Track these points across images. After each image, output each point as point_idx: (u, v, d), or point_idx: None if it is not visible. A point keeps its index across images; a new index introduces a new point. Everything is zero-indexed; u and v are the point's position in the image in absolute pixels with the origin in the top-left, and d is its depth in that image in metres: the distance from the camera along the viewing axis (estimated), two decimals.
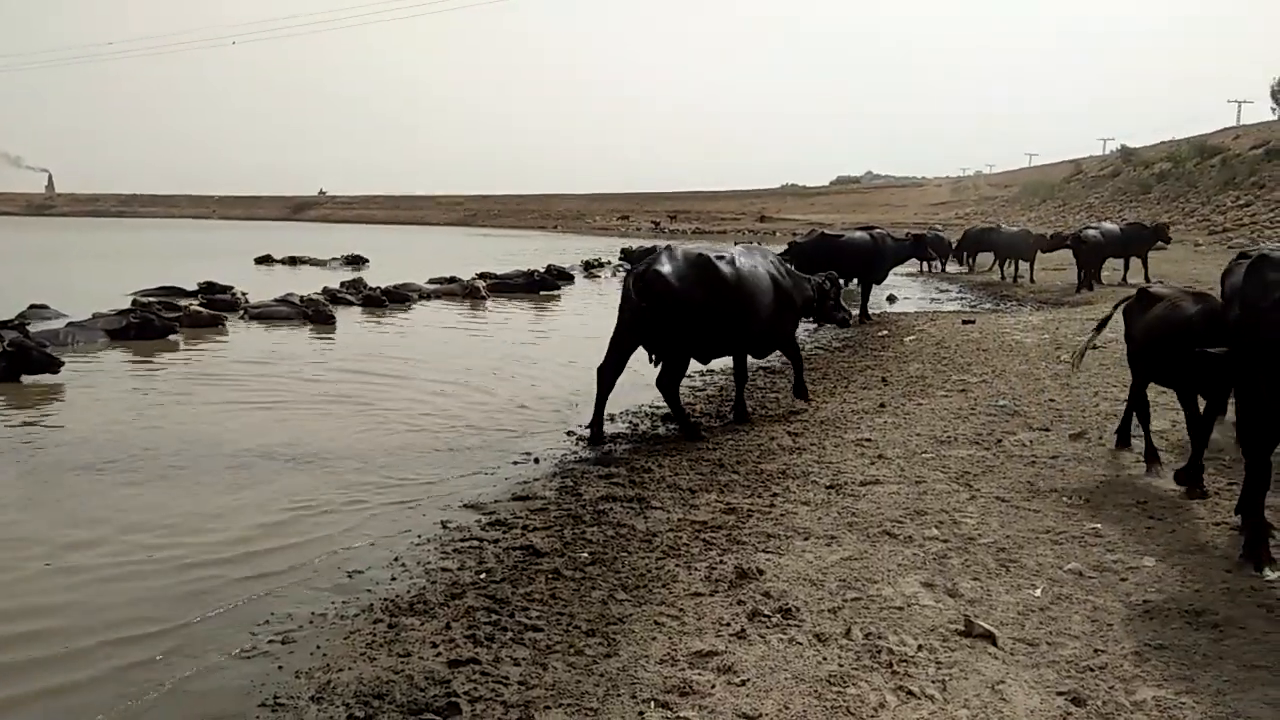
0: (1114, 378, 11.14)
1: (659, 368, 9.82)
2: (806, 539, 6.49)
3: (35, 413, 11.04)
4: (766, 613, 5.32)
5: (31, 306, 19.94)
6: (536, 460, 9.06)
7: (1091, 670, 4.64)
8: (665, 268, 9.32)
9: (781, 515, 7.01)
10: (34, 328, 16.16)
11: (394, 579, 6.13)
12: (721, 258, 9.74)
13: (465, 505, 7.66)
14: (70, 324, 17.38)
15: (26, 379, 12.62)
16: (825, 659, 4.81)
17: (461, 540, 6.82)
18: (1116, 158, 73.12)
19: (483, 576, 6.10)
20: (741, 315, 9.80)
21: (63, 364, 12.95)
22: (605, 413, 9.95)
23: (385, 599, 5.76)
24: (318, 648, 5.14)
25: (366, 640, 5.19)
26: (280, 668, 4.94)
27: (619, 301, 9.77)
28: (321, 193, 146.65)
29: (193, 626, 5.47)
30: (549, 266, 29.96)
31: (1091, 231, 25.35)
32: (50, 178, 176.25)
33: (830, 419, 10.25)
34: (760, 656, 4.85)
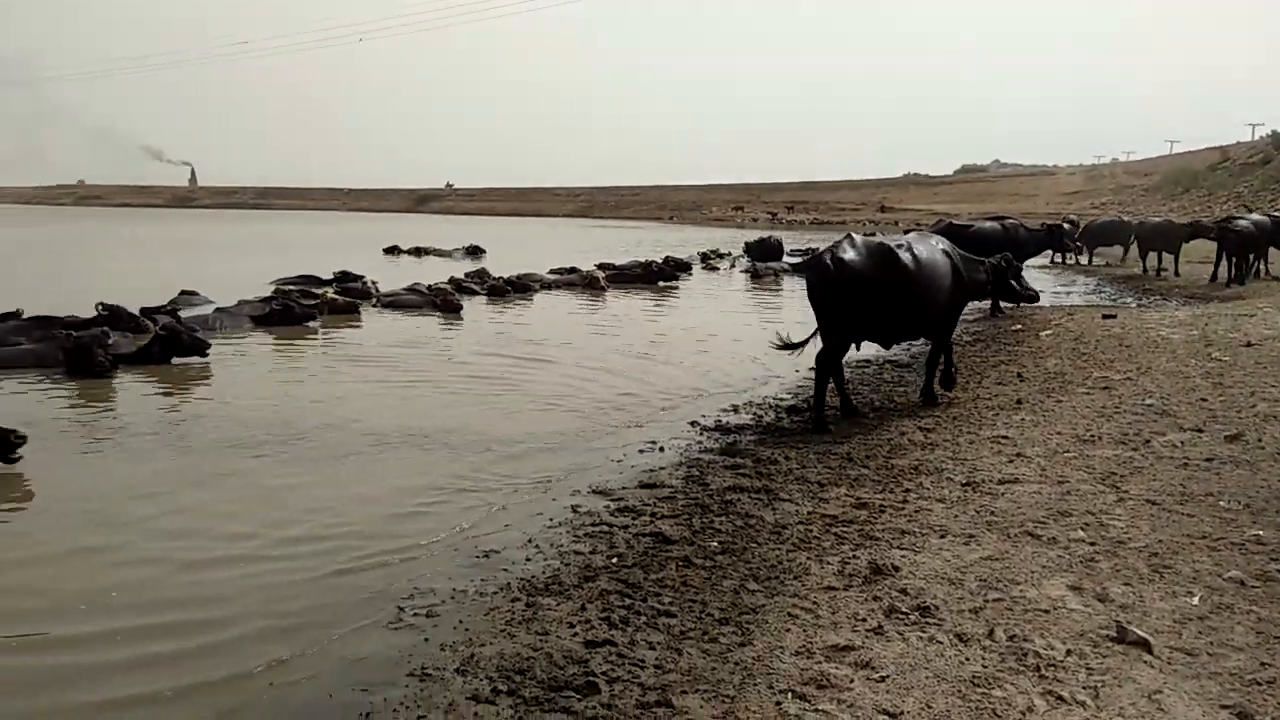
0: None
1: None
2: (943, 537, 6.33)
3: (186, 394, 11.73)
4: (904, 610, 5.22)
5: (182, 293, 21.18)
6: (661, 449, 9.11)
7: (1259, 685, 4.37)
8: (847, 254, 9.57)
9: (915, 512, 6.85)
10: (184, 313, 17.19)
11: (529, 560, 6.27)
12: (900, 245, 9.89)
13: (594, 490, 7.77)
14: (218, 309, 18.38)
15: (177, 361, 13.39)
16: (968, 659, 4.69)
17: (592, 525, 6.92)
18: (1267, 144, 68.53)
19: (614, 561, 6.17)
20: (921, 300, 9.91)
21: (210, 347, 13.71)
22: (773, 403, 10.59)
23: (522, 579, 5.89)
24: (460, 622, 5.31)
25: (506, 618, 5.33)
26: (426, 640, 5.13)
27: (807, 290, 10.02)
28: (449, 185, 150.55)
29: (342, 598, 5.72)
30: (666, 258, 30.03)
31: (1242, 221, 23.85)
32: (193, 171, 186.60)
33: (963, 415, 9.96)
34: (899, 654, 4.76)
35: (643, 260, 29.49)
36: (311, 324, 17.66)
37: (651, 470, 8.35)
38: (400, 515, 7.18)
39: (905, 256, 9.78)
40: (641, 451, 9.06)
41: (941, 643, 4.87)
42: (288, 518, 7.12)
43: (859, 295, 9.53)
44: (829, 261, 9.60)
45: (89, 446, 9.03)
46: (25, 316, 16.20)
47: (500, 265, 27.76)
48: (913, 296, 9.81)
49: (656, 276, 27.16)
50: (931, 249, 10.24)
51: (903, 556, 5.97)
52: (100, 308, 15.74)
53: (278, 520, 7.06)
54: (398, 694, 4.56)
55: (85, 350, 12.30)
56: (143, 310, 16.54)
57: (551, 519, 7.09)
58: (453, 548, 6.52)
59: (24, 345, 13.85)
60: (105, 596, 5.71)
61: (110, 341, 12.93)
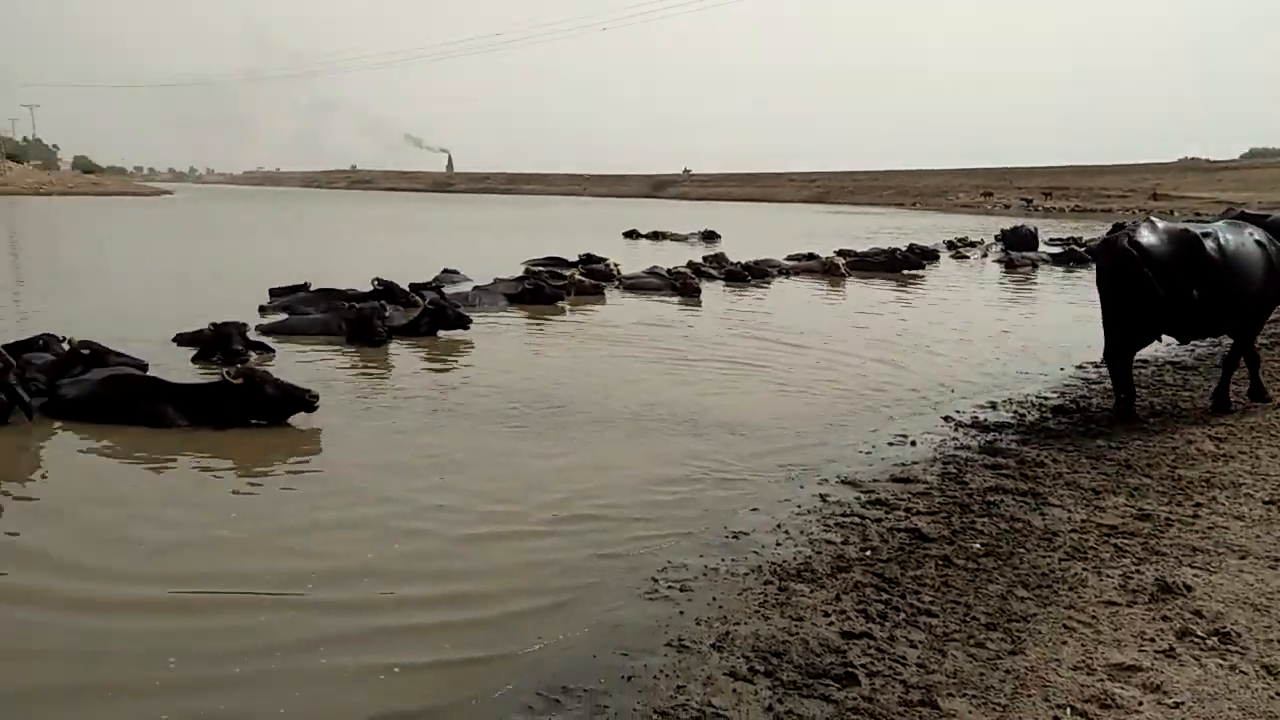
0: None
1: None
2: (1243, 558, 5.70)
3: (451, 365, 12.55)
4: (1199, 634, 4.74)
5: (444, 271, 22.73)
6: (913, 443, 8.78)
7: None
8: (1146, 238, 9.01)
9: (1209, 528, 6.21)
10: (446, 289, 18.44)
11: (778, 545, 6.22)
12: (1207, 235, 9.14)
13: (843, 480, 7.60)
14: (475, 287, 19.58)
15: (442, 334, 14.36)
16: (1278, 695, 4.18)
17: (842, 515, 6.77)
18: None
19: (868, 554, 6.01)
20: (1228, 293, 9.10)
21: (471, 322, 14.60)
22: (1037, 402, 10.13)
23: (773, 563, 5.86)
24: (713, 599, 5.35)
25: (759, 599, 5.31)
26: (681, 613, 5.21)
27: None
28: (686, 171, 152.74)
29: (599, 565, 5.91)
30: (911, 246, 28.95)
31: None
32: (450, 158, 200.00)
33: (1263, 425, 8.93)
34: (1195, 680, 4.33)
35: (885, 247, 28.58)
36: (560, 303, 18.44)
37: (904, 464, 8.07)
38: (651, 492, 7.32)
39: (1211, 244, 8.95)
40: (892, 444, 8.77)
41: (1246, 673, 4.39)
42: (546, 486, 7.43)
43: (1158, 284, 8.82)
44: (1126, 245, 8.94)
45: (368, 412, 9.78)
46: (313, 289, 18.01)
47: (736, 250, 27.81)
48: (1218, 288, 8.96)
49: (900, 264, 26.22)
50: (1243, 237, 9.29)
51: (1195, 576, 5.43)
52: (376, 282, 17.15)
53: (535, 487, 7.39)
54: (657, 662, 4.65)
55: (366, 321, 13.45)
56: (411, 286, 17.86)
57: (800, 506, 6.99)
58: (702, 526, 6.58)
59: (313, 315, 15.37)
60: (378, 563, 5.95)
61: (386, 314, 14.04)
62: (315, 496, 7.11)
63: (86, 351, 10.13)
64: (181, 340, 12.97)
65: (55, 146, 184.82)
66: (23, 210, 61.45)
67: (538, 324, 16.30)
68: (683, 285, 20.34)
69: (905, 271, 26.02)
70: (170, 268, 26.08)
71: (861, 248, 29.70)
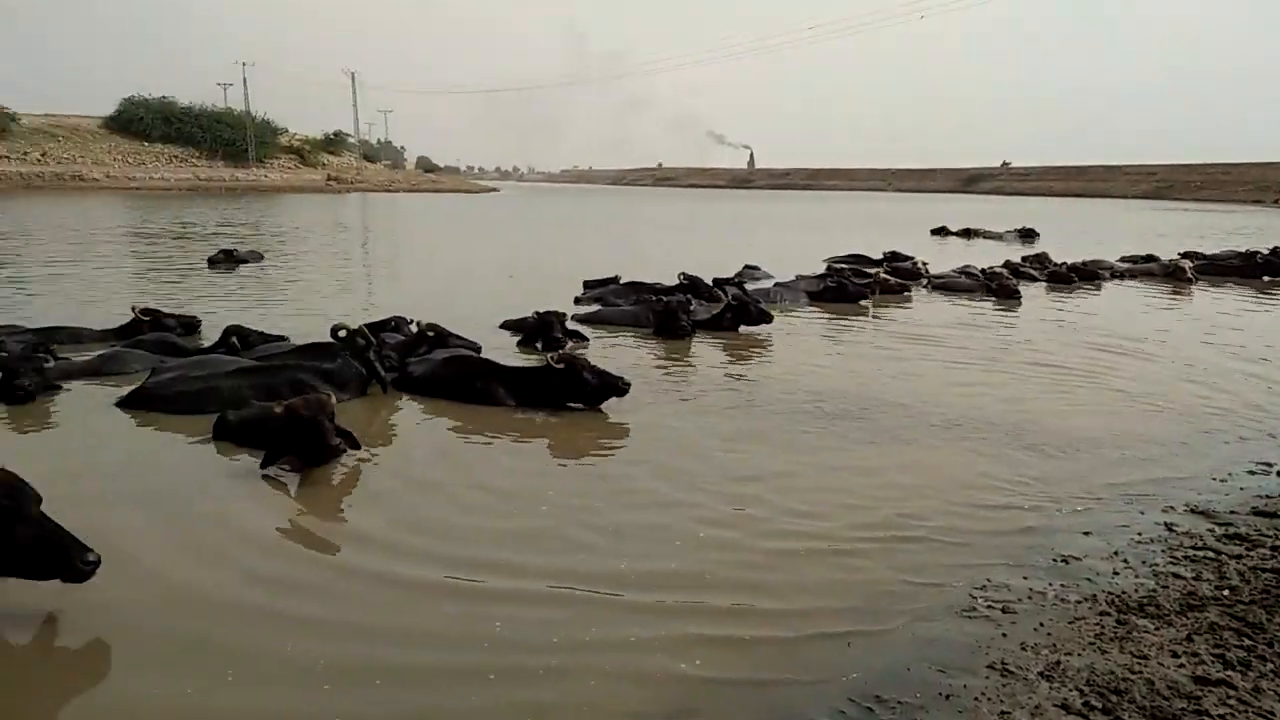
0: None
1: None
2: None
3: (752, 361, 12.59)
4: None
5: (746, 267, 22.94)
6: (1278, 473, 7.63)
7: None
8: None
9: None
10: (748, 286, 18.56)
11: (1115, 574, 5.63)
12: None
13: (1192, 509, 6.75)
14: (776, 284, 19.60)
15: (744, 329, 14.45)
16: None
17: (1193, 548, 6.01)
18: None
19: (1225, 594, 5.28)
20: None
21: (773, 319, 14.59)
22: None
23: (1110, 593, 5.31)
24: (1040, 625, 4.94)
25: (1094, 630, 4.83)
26: (1004, 635, 4.85)
27: None
28: (1004, 165, 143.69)
29: (914, 578, 5.63)
30: (1275, 248, 25.28)
31: None
32: (751, 154, 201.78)
33: None
34: None
35: (1241, 250, 25.19)
36: (863, 302, 17.99)
37: (1269, 496, 7.03)
38: (968, 505, 6.89)
39: None
40: (1252, 473, 7.68)
41: None
42: (852, 490, 7.22)
43: None
44: None
45: (673, 404, 10.01)
46: (623, 281, 18.86)
47: (1058, 250, 25.75)
48: None
49: (1262, 269, 22.97)
50: None
51: None
52: (682, 277, 17.66)
53: (842, 491, 7.19)
54: (978, 683, 4.36)
55: (672, 314, 13.85)
56: (715, 281, 18.21)
57: (1140, 534, 6.29)
58: (1026, 545, 6.09)
59: (623, 306, 16.07)
60: (683, 569, 5.82)
61: (691, 308, 14.37)
62: (622, 492, 7.15)
63: (431, 334, 11.23)
64: (507, 326, 14.06)
65: (402, 148, 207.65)
66: (372, 204, 69.57)
67: (840, 322, 15.98)
68: (998, 286, 19.11)
69: (1266, 278, 22.78)
70: (495, 258, 28.43)
71: (1211, 249, 26.40)
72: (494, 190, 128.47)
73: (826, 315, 16.67)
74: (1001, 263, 22.71)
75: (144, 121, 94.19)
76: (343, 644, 4.71)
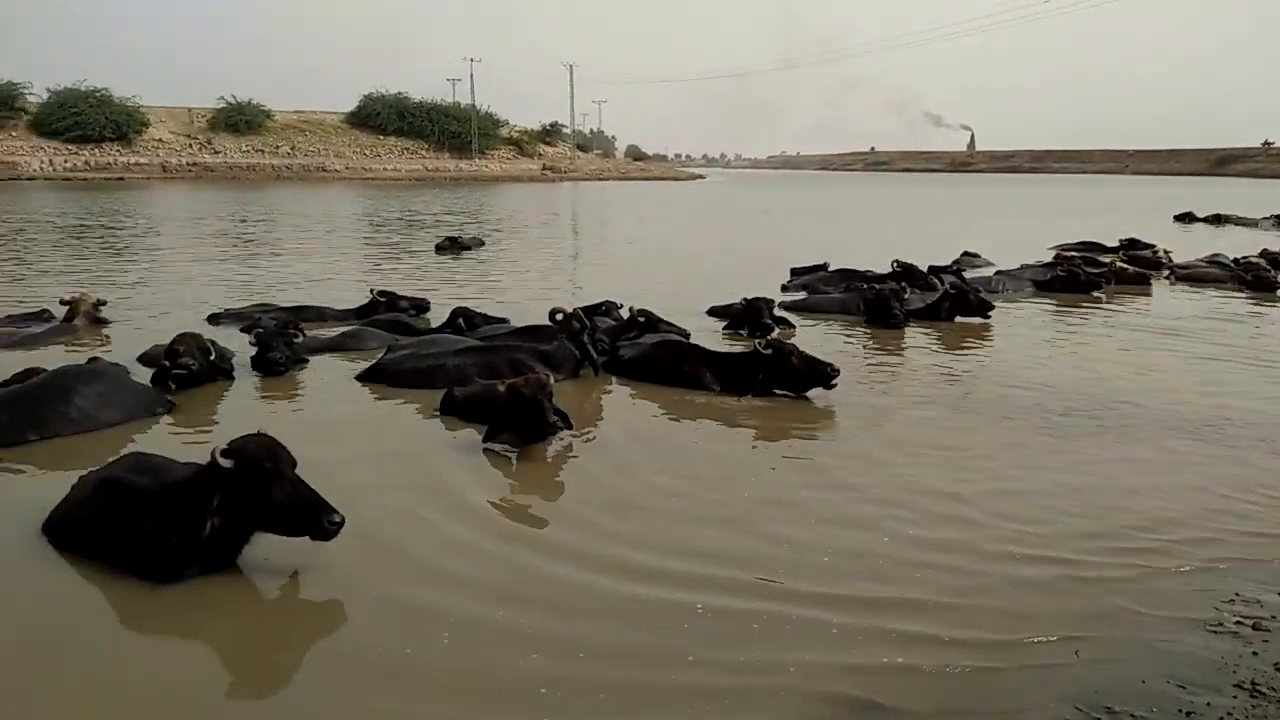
0: None
1: None
2: None
3: (970, 354, 12.01)
4: None
5: (964, 254, 21.93)
6: None
7: None
8: None
9: None
10: (966, 274, 17.72)
11: None
12: None
13: None
14: (998, 272, 18.59)
15: (961, 320, 13.80)
16: None
17: None
18: None
19: None
20: None
21: (994, 308, 13.83)
22: None
23: None
24: None
25: None
26: (1254, 653, 4.42)
27: None
28: (1266, 144, 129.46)
29: (1148, 589, 5.19)
30: None
31: None
32: (972, 136, 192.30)
33: None
34: None
35: None
36: (1096, 293, 16.75)
37: None
38: (1203, 510, 6.30)
39: None
40: None
41: None
42: (1074, 494, 6.75)
43: None
44: None
45: (883, 396, 9.71)
46: (831, 269, 18.48)
47: None
48: None
49: None
50: None
51: None
52: (895, 264, 17.07)
53: (1062, 495, 6.73)
54: (1224, 702, 4.00)
55: (884, 303, 13.42)
56: (930, 269, 17.50)
57: None
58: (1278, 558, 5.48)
59: (832, 294, 15.75)
60: (885, 559, 5.69)
61: (906, 296, 13.88)
62: (826, 488, 6.94)
63: (642, 319, 11.45)
64: (713, 312, 14.10)
65: (613, 137, 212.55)
66: (583, 193, 71.66)
67: (1071, 314, 14.96)
68: (1254, 278, 17.28)
69: None
70: (700, 245, 28.60)
71: None
72: (700, 177, 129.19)
73: (1054, 306, 15.67)
74: (1259, 251, 20.51)
75: (380, 116, 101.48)
76: (547, 618, 4.87)
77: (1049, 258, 20.65)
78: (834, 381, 9.23)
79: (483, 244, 25.82)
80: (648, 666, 4.43)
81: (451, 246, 24.23)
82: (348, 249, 25.37)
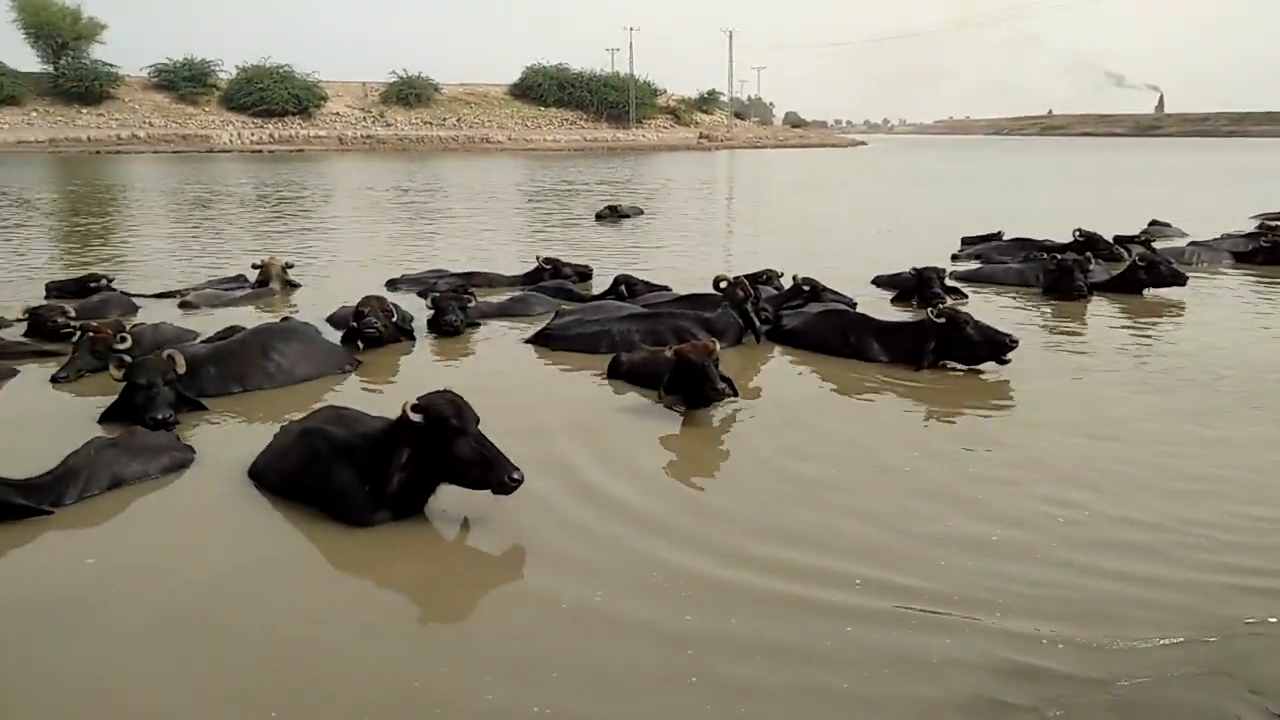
0: None
1: None
2: None
3: (1158, 330, 11.24)
4: None
5: (1152, 223, 20.52)
6: None
7: None
8: None
9: None
10: (1156, 244, 16.54)
11: None
12: None
13: None
14: (1193, 243, 17.27)
15: (1150, 293, 12.89)
16: None
17: None
18: None
19: None
20: None
21: (1187, 280, 12.87)
22: None
23: None
24: None
25: None
26: None
27: None
28: None
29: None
30: None
31: None
32: (1161, 97, 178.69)
33: None
34: None
35: None
36: None
37: None
38: None
39: None
40: None
41: None
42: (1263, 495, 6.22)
43: None
44: None
45: (1061, 372, 9.20)
46: (1006, 238, 17.64)
47: None
48: None
49: None
50: None
51: None
52: (1077, 233, 16.13)
53: (1268, 491, 6.21)
54: None
55: (1067, 273, 12.69)
56: (1116, 239, 16.45)
57: None
58: None
59: (1008, 264, 15.03)
60: (1057, 555, 5.49)
61: (1090, 268, 13.09)
62: (998, 468, 6.65)
63: (807, 288, 11.26)
64: (879, 282, 13.72)
65: (771, 103, 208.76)
66: (740, 161, 70.91)
67: (1274, 289, 13.75)
68: None
69: None
70: (862, 213, 27.86)
71: None
72: (862, 144, 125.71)
73: (1256, 280, 14.45)
74: None
75: (541, 88, 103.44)
76: (702, 572, 4.96)
77: (1251, 227, 19.03)
78: (1009, 357, 8.83)
79: (641, 212, 26.01)
80: (804, 620, 4.48)
81: (611, 215, 24.52)
82: (511, 217, 26.09)
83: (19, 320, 10.30)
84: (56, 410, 7.89)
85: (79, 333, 9.05)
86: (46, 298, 12.10)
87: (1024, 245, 16.56)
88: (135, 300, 12.42)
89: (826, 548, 5.27)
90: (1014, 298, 12.99)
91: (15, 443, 6.94)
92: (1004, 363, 8.85)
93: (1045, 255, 14.11)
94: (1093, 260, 13.48)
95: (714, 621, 4.48)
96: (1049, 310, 12.16)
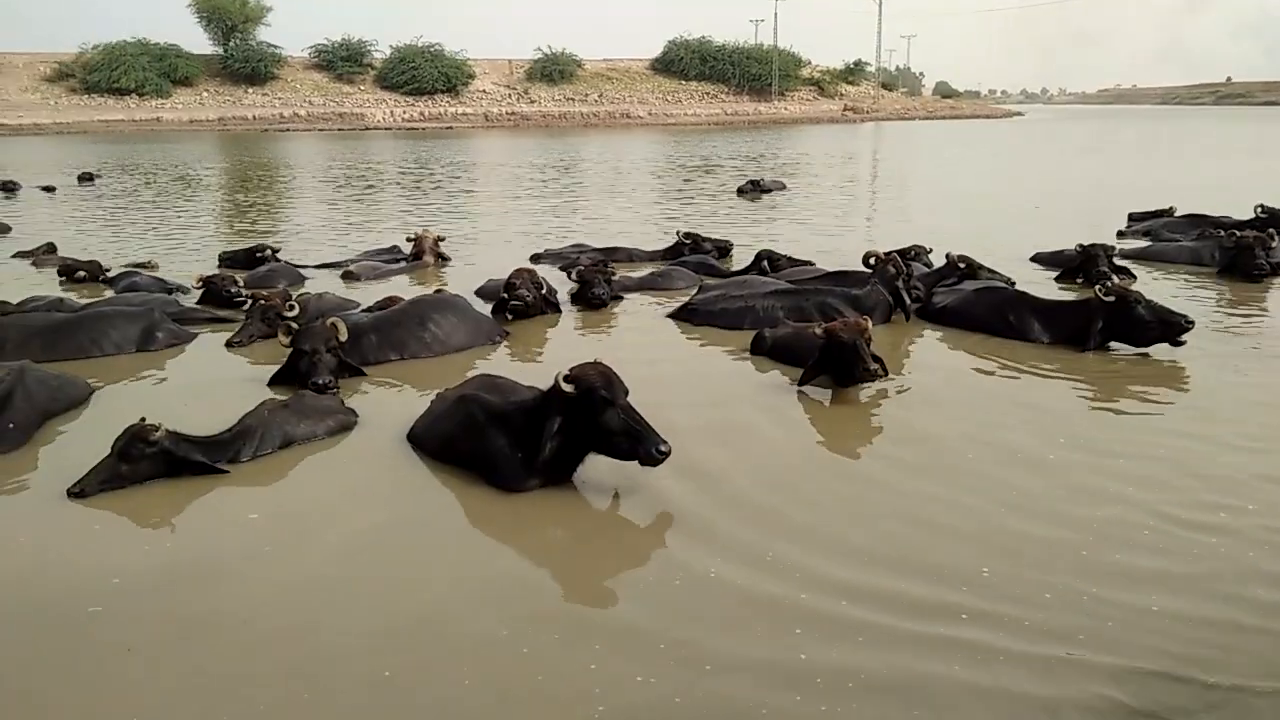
0: None
1: None
2: None
3: None
4: None
5: None
6: None
7: None
8: None
9: None
10: None
11: None
12: None
13: None
14: None
15: None
16: None
17: None
18: None
19: None
20: None
21: None
22: None
23: None
24: None
25: None
26: None
27: None
28: None
29: None
30: None
31: None
32: None
33: None
34: None
35: None
36: None
37: None
38: None
39: None
40: None
41: None
42: None
43: None
44: None
45: (1235, 362, 8.49)
46: (1178, 214, 16.50)
47: None
48: None
49: None
50: None
51: None
52: (1259, 210, 14.97)
53: None
54: None
55: (1247, 251, 11.78)
56: None
57: None
58: None
59: (1180, 242, 14.07)
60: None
61: (1274, 245, 12.09)
62: (1175, 470, 6.20)
63: (962, 265, 10.80)
64: (1040, 259, 13.08)
65: (921, 73, 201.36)
66: (886, 133, 68.67)
67: None
68: None
69: None
70: (1019, 187, 26.57)
71: None
72: (1018, 115, 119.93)
73: None
74: None
75: (683, 61, 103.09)
76: (816, 569, 4.80)
77: None
78: (1185, 335, 8.26)
79: (784, 187, 25.60)
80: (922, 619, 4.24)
81: (753, 189, 24.23)
82: (651, 191, 26.14)
83: (195, 288, 11.02)
84: (229, 373, 8.41)
85: (250, 301, 9.61)
86: (219, 268, 12.90)
87: (1198, 222, 15.48)
88: (301, 271, 13.08)
89: (944, 569, 4.90)
90: (1187, 278, 12.16)
91: (192, 403, 7.44)
92: (1179, 344, 8.29)
93: (1222, 232, 13.13)
94: (1275, 238, 12.44)
95: (824, 603, 4.40)
96: (1226, 292, 11.32)
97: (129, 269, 13.08)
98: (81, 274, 12.43)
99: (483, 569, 4.88)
